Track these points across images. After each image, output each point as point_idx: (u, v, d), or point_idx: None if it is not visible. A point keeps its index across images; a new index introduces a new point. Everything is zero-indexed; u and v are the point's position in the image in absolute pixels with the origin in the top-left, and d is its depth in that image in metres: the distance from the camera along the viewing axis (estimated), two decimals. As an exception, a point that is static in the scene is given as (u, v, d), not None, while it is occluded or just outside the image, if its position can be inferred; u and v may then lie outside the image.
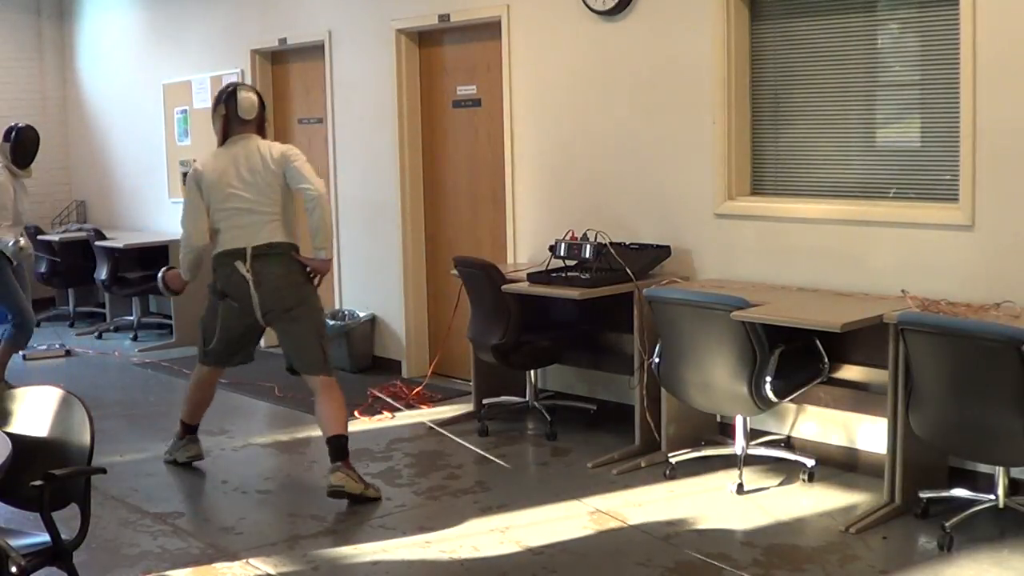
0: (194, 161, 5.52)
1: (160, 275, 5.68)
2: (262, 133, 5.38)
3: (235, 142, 5.29)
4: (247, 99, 5.28)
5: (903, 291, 4.88)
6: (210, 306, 5.40)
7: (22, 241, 6.88)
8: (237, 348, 5.46)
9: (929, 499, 4.58)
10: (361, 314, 7.77)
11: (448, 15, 6.95)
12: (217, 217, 5.26)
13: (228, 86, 5.40)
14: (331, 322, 7.71)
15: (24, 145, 7.12)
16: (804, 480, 5.09)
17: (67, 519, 3.33)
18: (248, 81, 8.56)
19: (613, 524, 4.70)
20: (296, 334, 5.23)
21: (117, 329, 9.56)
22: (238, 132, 5.29)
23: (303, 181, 5.16)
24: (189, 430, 5.70)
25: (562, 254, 5.76)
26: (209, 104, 8.96)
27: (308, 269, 5.28)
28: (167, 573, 4.33)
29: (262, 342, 8.76)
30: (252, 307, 5.20)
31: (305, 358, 5.23)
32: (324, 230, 5.15)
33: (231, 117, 5.28)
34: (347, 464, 5.03)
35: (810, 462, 5.12)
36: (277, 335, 5.35)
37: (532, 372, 6.29)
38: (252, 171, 5.22)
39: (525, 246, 6.66)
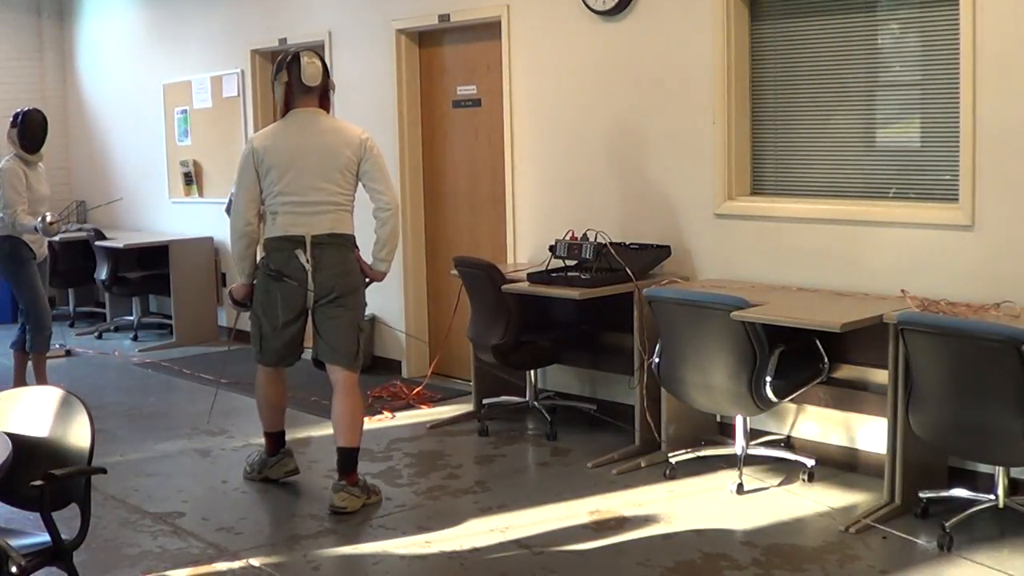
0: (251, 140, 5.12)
1: (228, 292, 5.33)
2: (326, 104, 5.06)
3: (300, 116, 4.96)
4: (311, 64, 4.92)
5: (903, 291, 4.88)
6: (260, 300, 5.04)
7: (49, 216, 6.65)
8: (291, 338, 5.07)
9: (929, 499, 4.58)
10: (361, 314, 7.76)
11: (448, 15, 6.95)
12: (277, 199, 4.91)
13: (288, 53, 5.00)
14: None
15: (31, 129, 6.90)
16: (804, 480, 5.09)
17: (67, 519, 3.32)
18: (248, 81, 8.57)
19: (613, 524, 4.70)
20: (338, 321, 4.94)
21: (117, 329, 9.57)
22: (301, 103, 4.95)
23: (382, 186, 4.93)
24: (277, 441, 5.35)
25: (562, 254, 5.76)
26: (209, 104, 9.05)
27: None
28: (167, 573, 4.33)
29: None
30: (304, 297, 4.92)
31: (340, 347, 4.95)
32: (392, 244, 4.99)
33: (294, 84, 4.91)
34: (352, 480, 4.93)
35: (810, 462, 5.12)
36: (317, 323, 4.98)
37: (532, 372, 6.29)
38: (324, 153, 4.89)
39: (525, 246, 6.66)
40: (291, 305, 4.98)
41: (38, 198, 6.84)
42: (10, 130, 6.93)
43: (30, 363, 7.08)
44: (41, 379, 6.95)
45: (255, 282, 5.08)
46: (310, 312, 5.01)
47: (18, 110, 7.01)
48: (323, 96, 5.03)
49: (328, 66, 5.08)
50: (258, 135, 5.13)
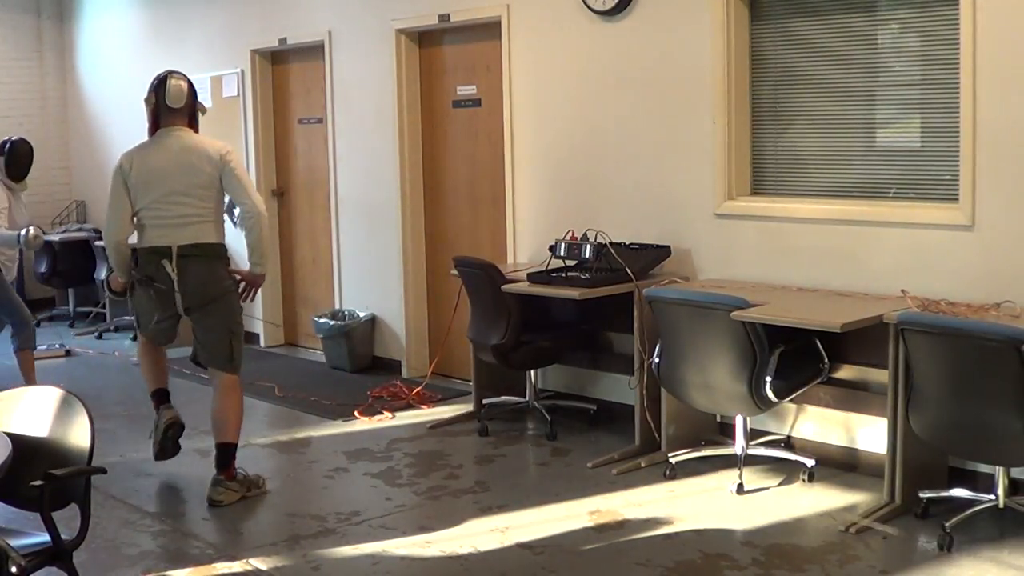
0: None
1: (105, 279, 5.71)
2: (194, 125, 5.24)
3: (165, 134, 5.16)
4: (176, 86, 5.12)
5: (903, 291, 4.88)
6: (136, 299, 5.31)
7: (32, 230, 6.70)
8: (163, 330, 5.38)
9: (929, 499, 4.58)
10: (361, 314, 7.77)
11: (448, 15, 6.95)
12: (143, 213, 5.13)
13: (160, 74, 5.22)
14: (331, 322, 7.74)
15: (18, 158, 7.07)
16: (804, 480, 5.09)
17: (67, 519, 3.32)
18: (248, 81, 8.57)
19: (613, 524, 4.70)
20: (208, 326, 5.18)
21: (117, 329, 9.56)
22: (168, 123, 5.15)
23: (243, 196, 5.11)
24: (160, 399, 5.53)
25: (562, 254, 5.76)
26: (209, 104, 9.03)
27: (238, 278, 5.26)
28: (167, 573, 4.33)
29: (261, 342, 8.80)
30: (175, 301, 5.13)
31: (212, 351, 5.20)
32: (260, 248, 5.16)
33: (160, 105, 5.14)
34: (228, 475, 5.07)
35: (810, 462, 5.12)
36: (192, 328, 5.27)
37: (532, 372, 6.28)
38: (183, 168, 5.09)
39: (525, 246, 6.66)
40: (162, 307, 5.20)
41: (14, 227, 6.86)
42: None
43: (18, 360, 7.09)
44: (29, 377, 6.97)
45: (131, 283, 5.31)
46: (183, 314, 5.21)
47: (6, 138, 7.17)
48: (191, 116, 5.23)
49: (195, 89, 5.25)
50: (126, 153, 5.26)
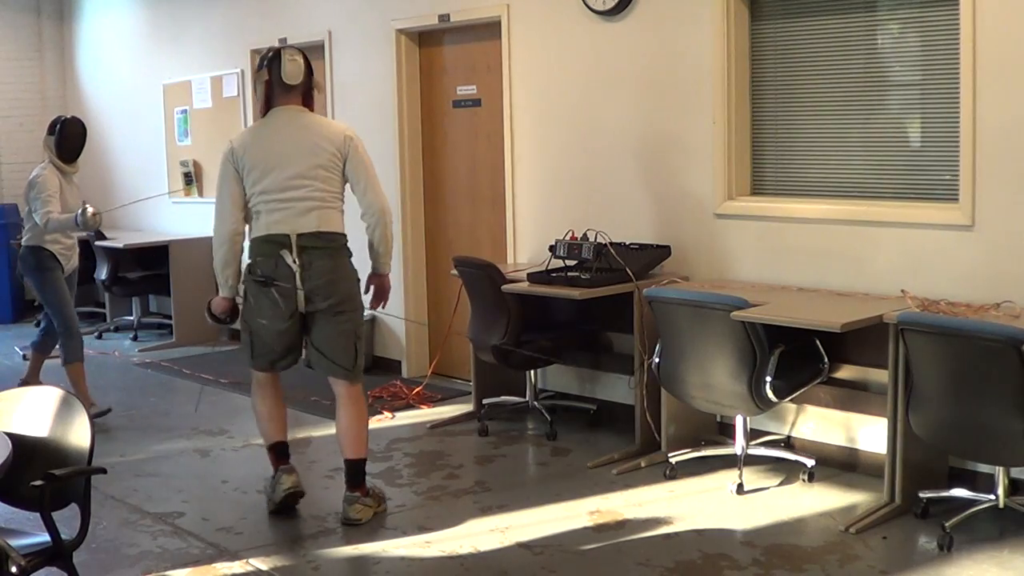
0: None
1: (207, 307, 4.97)
2: (310, 104, 4.82)
3: (281, 114, 4.74)
4: (292, 63, 4.69)
5: (903, 291, 4.88)
6: (251, 307, 4.76)
7: (90, 209, 6.36)
8: (288, 342, 4.80)
9: (929, 499, 4.58)
10: (361, 314, 7.76)
11: (448, 15, 6.95)
12: (257, 200, 4.68)
13: (271, 49, 4.80)
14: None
15: (70, 139, 6.67)
16: (804, 480, 5.09)
17: (67, 519, 3.32)
18: (248, 81, 8.57)
19: (613, 524, 4.70)
20: (331, 331, 4.70)
21: (117, 329, 9.57)
22: (282, 102, 4.73)
23: (366, 186, 4.71)
24: (279, 455, 4.96)
25: (562, 254, 5.76)
26: (209, 104, 9.06)
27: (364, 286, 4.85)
28: (167, 573, 4.33)
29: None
30: (296, 301, 4.64)
31: (338, 359, 4.73)
32: (384, 247, 4.78)
33: (274, 82, 4.70)
34: (363, 491, 4.79)
35: (810, 462, 5.12)
36: (311, 332, 4.76)
37: (532, 372, 6.29)
38: (304, 147, 4.67)
39: (525, 246, 6.66)
40: (284, 310, 4.69)
41: (67, 211, 6.56)
42: (47, 137, 6.80)
43: (66, 373, 6.70)
44: (80, 388, 6.56)
45: (242, 290, 4.83)
46: (304, 311, 4.72)
47: (57, 117, 6.86)
48: (306, 95, 4.82)
49: (312, 65, 4.86)
50: (237, 136, 4.93)
